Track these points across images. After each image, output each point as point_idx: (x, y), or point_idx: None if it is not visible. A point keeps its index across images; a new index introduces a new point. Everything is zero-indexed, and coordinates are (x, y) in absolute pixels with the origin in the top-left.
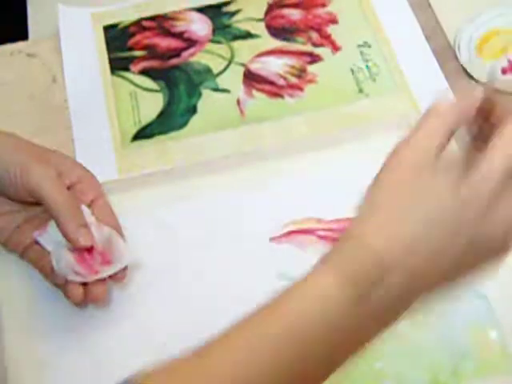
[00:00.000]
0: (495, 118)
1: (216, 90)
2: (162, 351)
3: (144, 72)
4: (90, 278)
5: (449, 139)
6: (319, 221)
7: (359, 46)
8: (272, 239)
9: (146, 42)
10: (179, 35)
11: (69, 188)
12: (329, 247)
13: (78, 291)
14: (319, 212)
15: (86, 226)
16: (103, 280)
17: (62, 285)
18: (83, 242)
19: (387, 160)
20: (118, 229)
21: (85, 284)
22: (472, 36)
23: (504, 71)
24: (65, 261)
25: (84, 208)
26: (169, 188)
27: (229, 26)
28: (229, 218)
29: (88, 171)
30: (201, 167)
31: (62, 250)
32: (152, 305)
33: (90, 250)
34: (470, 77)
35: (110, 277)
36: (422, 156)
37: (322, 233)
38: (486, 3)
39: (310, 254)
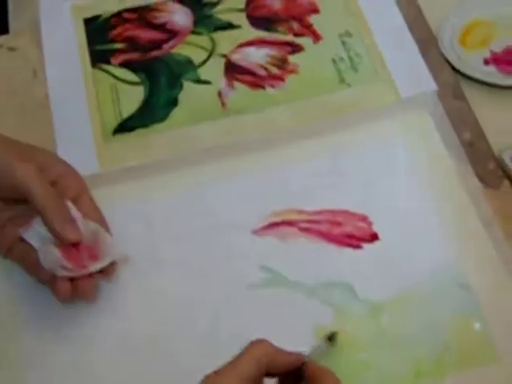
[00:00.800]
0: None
1: (197, 81)
2: (145, 344)
3: (125, 64)
4: (79, 273)
5: (261, 379)
6: (300, 212)
7: (341, 35)
8: (254, 231)
9: (127, 34)
10: (160, 27)
11: (52, 184)
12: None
13: (66, 287)
14: (301, 203)
15: (72, 221)
16: (91, 275)
17: (49, 281)
18: (71, 236)
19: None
20: (103, 223)
21: (72, 280)
22: (455, 26)
23: (486, 62)
24: (52, 256)
25: (69, 204)
26: (151, 181)
27: (210, 17)
28: (210, 210)
29: (71, 167)
30: (182, 160)
31: (49, 246)
32: (134, 298)
33: (77, 245)
34: (453, 67)
35: (99, 272)
36: None
37: (303, 225)
38: None
39: (291, 246)
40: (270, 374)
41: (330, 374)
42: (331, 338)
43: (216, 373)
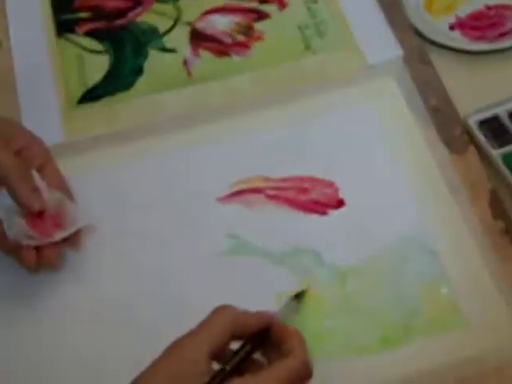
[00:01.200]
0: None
1: (162, 49)
2: (113, 313)
3: (90, 33)
4: (44, 241)
5: (229, 342)
6: (267, 179)
7: (306, 2)
8: (219, 199)
9: (92, 2)
10: None
11: (17, 154)
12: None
13: (32, 255)
14: (267, 170)
15: (36, 190)
16: (56, 244)
17: (14, 251)
18: (35, 205)
19: (168, 350)
20: (68, 193)
21: (37, 249)
22: None
23: (451, 27)
24: (17, 226)
25: (34, 173)
26: (116, 150)
27: None
28: (177, 179)
29: (36, 137)
30: (148, 128)
31: (14, 216)
32: (101, 266)
33: (41, 214)
34: (418, 32)
35: (65, 241)
36: (195, 354)
37: (270, 192)
38: None
39: (257, 213)
40: (236, 337)
41: (293, 331)
42: (299, 296)
43: (183, 338)
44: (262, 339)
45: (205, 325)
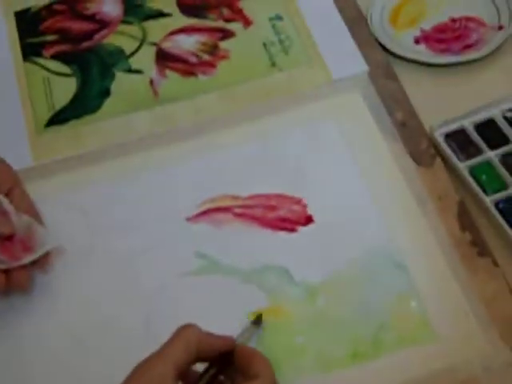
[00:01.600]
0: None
1: (129, 71)
2: (80, 336)
3: (57, 56)
4: (14, 264)
5: (194, 362)
6: (235, 198)
7: (271, 19)
8: (188, 219)
9: (58, 25)
10: (91, 17)
11: None
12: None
13: (1, 279)
14: (235, 189)
15: (5, 214)
16: (25, 267)
17: None
18: (4, 230)
19: (135, 370)
20: (36, 216)
21: (6, 273)
22: (384, 6)
23: (417, 41)
24: None
25: (2, 198)
26: (84, 172)
27: (140, 6)
28: (145, 199)
29: (3, 161)
30: (114, 150)
31: None
32: (69, 289)
33: (10, 238)
34: (383, 47)
35: (33, 264)
36: (161, 376)
37: (238, 210)
38: None
39: (226, 232)
40: (200, 359)
41: (258, 354)
42: (257, 320)
43: (149, 359)
44: (226, 362)
45: (169, 344)
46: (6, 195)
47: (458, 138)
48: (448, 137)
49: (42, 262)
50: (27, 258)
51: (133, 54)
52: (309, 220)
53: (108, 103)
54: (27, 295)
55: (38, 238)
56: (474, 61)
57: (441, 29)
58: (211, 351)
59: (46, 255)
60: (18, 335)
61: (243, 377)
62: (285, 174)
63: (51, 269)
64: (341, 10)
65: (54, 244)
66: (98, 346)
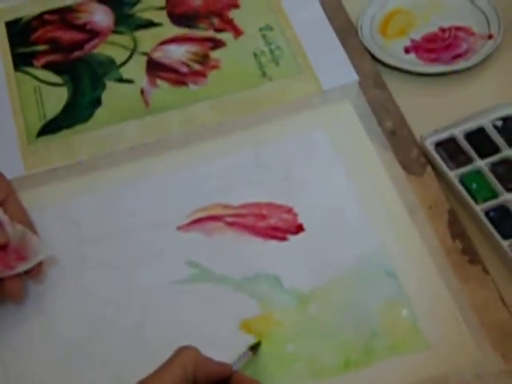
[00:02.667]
0: None
1: (120, 80)
2: (74, 345)
3: (48, 66)
4: (6, 274)
5: None
6: (226, 207)
7: (261, 29)
8: (179, 228)
9: (49, 35)
10: (82, 27)
11: None
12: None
13: None
14: (226, 198)
15: None
16: (19, 276)
17: None
18: None
19: None
20: (30, 225)
21: (0, 282)
22: (374, 16)
23: (406, 50)
24: None
25: None
26: (75, 182)
27: (131, 16)
28: (136, 209)
29: None
30: (105, 159)
31: None
32: (62, 298)
33: (4, 247)
34: (372, 56)
35: (27, 273)
36: None
37: (229, 219)
38: None
39: (217, 240)
40: (196, 383)
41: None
42: (254, 347)
43: (147, 380)
44: None
45: (167, 365)
46: (0, 205)
47: (449, 147)
48: (438, 145)
49: (35, 272)
50: (21, 267)
51: (124, 63)
52: (299, 229)
53: (99, 113)
54: (20, 304)
55: (31, 248)
56: (464, 70)
57: (430, 38)
58: (208, 376)
59: (40, 264)
60: (11, 344)
61: None
62: (276, 183)
63: (44, 278)
64: (331, 20)
65: (47, 253)
66: (90, 354)
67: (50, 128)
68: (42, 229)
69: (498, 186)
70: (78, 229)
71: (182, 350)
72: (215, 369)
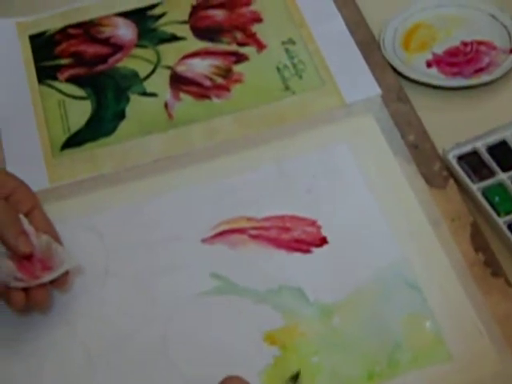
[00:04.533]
0: None
1: (143, 94)
2: (98, 356)
3: (71, 80)
4: (32, 283)
5: None
6: (250, 219)
7: (284, 43)
8: (204, 240)
9: (73, 49)
10: (105, 41)
11: (5, 199)
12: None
13: (20, 297)
14: (249, 211)
15: (25, 234)
16: (45, 285)
17: (3, 293)
18: (24, 249)
19: None
20: (55, 236)
21: (26, 291)
22: (397, 29)
23: (429, 64)
24: (5, 268)
25: (21, 217)
26: (100, 194)
27: (154, 30)
28: (160, 221)
29: (22, 182)
30: (130, 173)
31: (2, 258)
32: (86, 310)
33: (29, 257)
34: (395, 70)
35: (52, 283)
36: None
37: (253, 232)
38: None
39: (241, 253)
40: None
41: None
42: (295, 378)
43: None
44: None
45: None
46: (26, 215)
47: (471, 160)
48: (461, 159)
49: (60, 282)
50: (46, 277)
51: (147, 77)
52: (323, 241)
53: (123, 126)
54: (46, 314)
55: (56, 258)
56: (486, 84)
57: (452, 52)
58: None
59: (65, 274)
60: (37, 353)
61: None
62: (299, 195)
63: (70, 288)
64: (353, 34)
65: (72, 263)
66: (115, 366)
67: (75, 141)
68: (66, 241)
69: None
70: (102, 241)
71: (229, 381)
72: None
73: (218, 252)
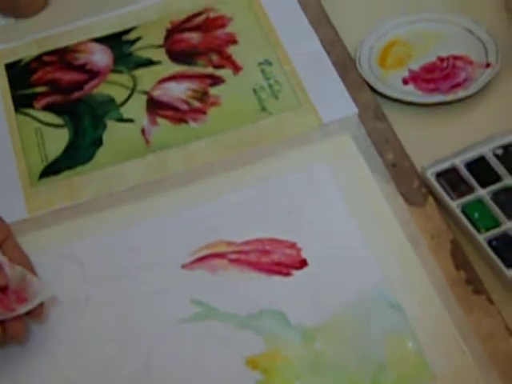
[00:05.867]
0: None
1: (120, 120)
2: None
3: (48, 107)
4: (8, 316)
5: None
6: (229, 244)
7: (260, 64)
8: (183, 266)
9: (48, 76)
10: (81, 67)
11: None
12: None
13: None
14: (229, 235)
15: None
16: (20, 317)
17: None
18: None
19: None
20: (29, 267)
21: (2, 324)
22: (372, 47)
23: (405, 81)
24: None
25: None
26: (78, 223)
27: (129, 55)
28: (139, 249)
29: None
30: (108, 200)
31: None
32: (65, 339)
33: (4, 289)
34: (371, 88)
35: (28, 314)
36: None
37: (233, 256)
38: (386, 14)
39: (221, 277)
40: None
41: None
42: None
43: None
44: None
45: None
46: None
47: (450, 177)
48: (439, 176)
49: (37, 313)
50: (22, 309)
51: (124, 102)
52: (303, 263)
53: (100, 153)
54: (24, 346)
55: (32, 289)
56: (463, 99)
57: (429, 68)
58: None
59: (41, 305)
60: (14, 381)
61: None
62: (278, 217)
63: (46, 319)
64: (329, 53)
65: (48, 294)
66: None
67: (52, 169)
68: (46, 270)
69: (501, 215)
70: (82, 269)
71: None
72: None
73: (199, 277)
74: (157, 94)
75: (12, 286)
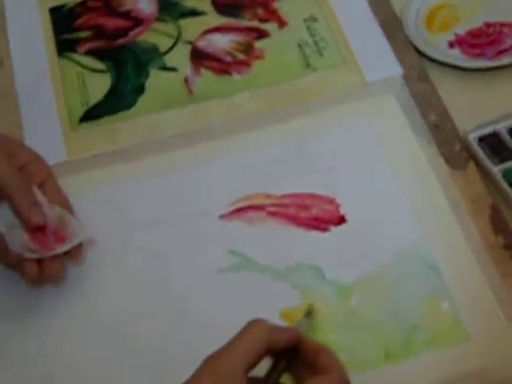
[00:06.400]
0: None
1: (163, 68)
2: (115, 328)
3: (91, 53)
4: (46, 255)
5: (262, 357)
6: (268, 196)
7: (305, 20)
8: (221, 216)
9: (93, 22)
10: (126, 14)
11: (19, 170)
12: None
13: (34, 268)
14: (268, 188)
15: (38, 205)
16: (58, 257)
17: (16, 265)
18: (36, 220)
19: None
20: (69, 209)
21: (40, 263)
22: (419, 9)
23: (451, 45)
24: (19, 240)
25: (34, 189)
26: (117, 168)
27: (175, 4)
28: (178, 197)
29: (36, 153)
30: (149, 147)
31: (16, 230)
32: (103, 282)
33: (43, 228)
34: (417, 50)
35: (66, 254)
36: (231, 370)
37: (271, 209)
38: None
39: (259, 230)
40: (268, 352)
41: (324, 348)
42: (309, 312)
43: (219, 354)
44: (292, 355)
45: (240, 340)
46: (39, 187)
47: (492, 142)
48: (481, 140)
49: (74, 253)
50: (60, 249)
51: (167, 51)
52: (341, 220)
53: (142, 100)
54: (60, 286)
55: (70, 229)
56: (508, 66)
57: (475, 33)
58: (280, 344)
59: (79, 246)
60: (51, 326)
61: (311, 371)
62: (318, 174)
63: (84, 260)
64: (375, 13)
65: (86, 235)
66: (132, 340)
67: (93, 114)
68: (84, 214)
69: None
70: (120, 214)
71: (252, 323)
72: (286, 335)
73: (236, 228)
74: (201, 44)
75: (51, 226)
